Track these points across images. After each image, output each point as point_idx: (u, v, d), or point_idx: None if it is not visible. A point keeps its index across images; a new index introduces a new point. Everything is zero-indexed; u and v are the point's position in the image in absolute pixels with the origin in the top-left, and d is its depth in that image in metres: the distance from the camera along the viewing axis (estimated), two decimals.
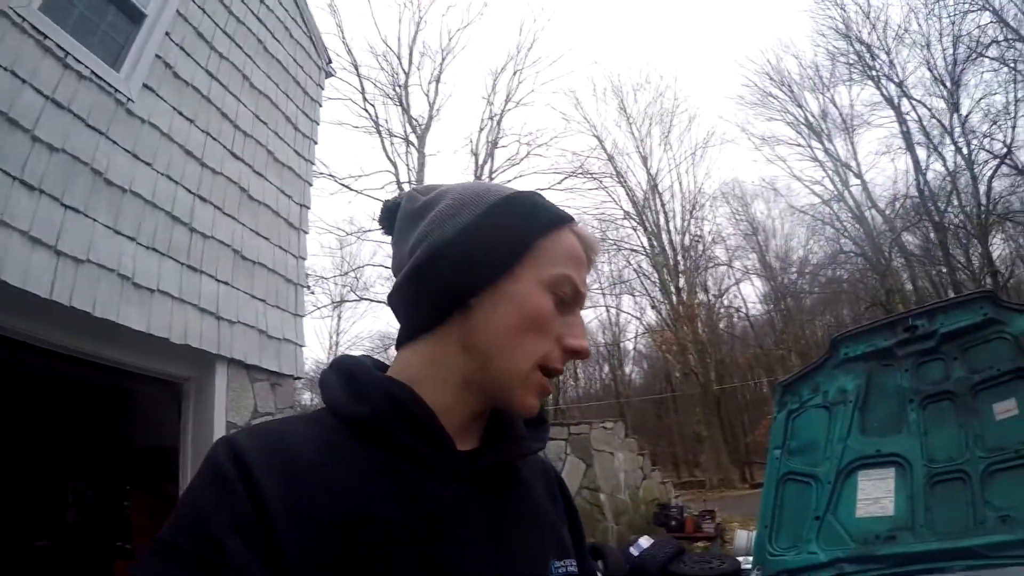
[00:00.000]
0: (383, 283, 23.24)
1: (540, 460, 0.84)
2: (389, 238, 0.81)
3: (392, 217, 0.79)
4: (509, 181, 21.85)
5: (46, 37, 2.84)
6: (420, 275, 0.68)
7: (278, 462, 0.58)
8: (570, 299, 0.70)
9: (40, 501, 5.06)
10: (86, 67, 3.03)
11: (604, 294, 27.73)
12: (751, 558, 3.84)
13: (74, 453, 5.24)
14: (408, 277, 0.69)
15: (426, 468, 0.64)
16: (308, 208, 4.85)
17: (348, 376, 0.69)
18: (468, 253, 0.67)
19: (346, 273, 23.81)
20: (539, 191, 0.75)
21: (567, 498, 0.85)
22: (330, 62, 5.47)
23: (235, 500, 0.55)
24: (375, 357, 0.76)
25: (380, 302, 23.86)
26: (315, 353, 29.84)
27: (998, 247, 21.69)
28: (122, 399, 5.16)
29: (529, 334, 0.67)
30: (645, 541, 6.70)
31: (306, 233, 4.80)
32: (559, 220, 0.72)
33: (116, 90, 3.18)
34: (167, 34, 3.60)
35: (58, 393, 5.02)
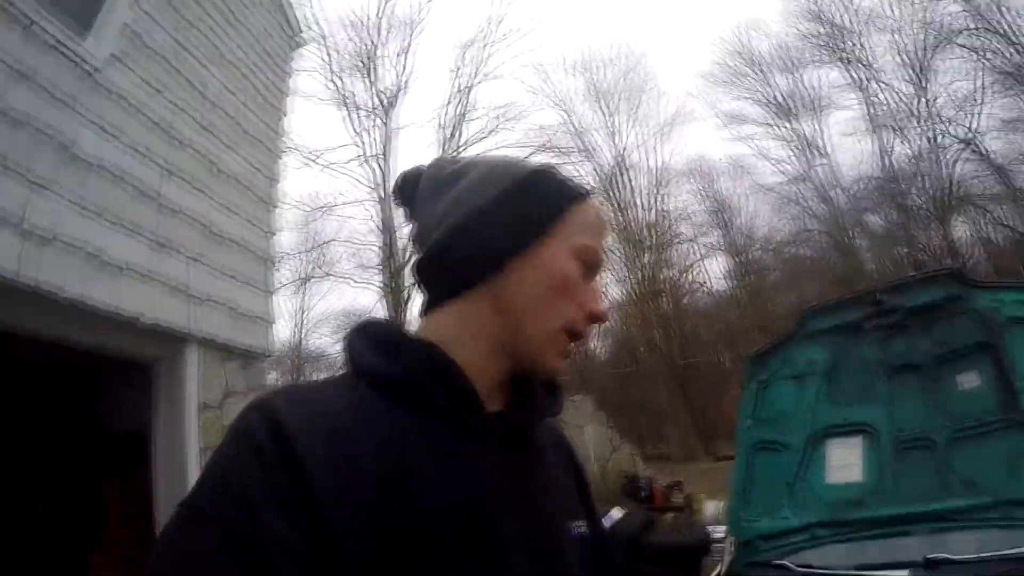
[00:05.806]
0: (348, 259, 22.93)
1: (551, 426, 0.86)
2: (403, 209, 0.81)
3: (411, 187, 0.79)
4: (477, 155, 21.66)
5: (10, 4, 2.69)
6: (456, 239, 0.69)
7: (315, 427, 0.58)
8: (592, 267, 0.75)
9: (7, 492, 4.91)
10: (51, 36, 2.88)
11: None
12: (721, 527, 3.94)
13: (43, 441, 5.09)
14: (442, 241, 0.70)
15: (459, 428, 0.65)
16: (278, 182, 4.75)
17: (378, 339, 0.70)
18: (504, 218, 0.69)
19: (311, 249, 23.45)
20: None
21: (577, 465, 0.87)
22: (301, 32, 5.33)
23: (271, 469, 0.54)
24: (396, 322, 0.76)
25: (346, 278, 23.59)
26: (280, 332, 29.38)
27: (959, 230, 22.31)
28: (91, 384, 5.02)
29: (558, 298, 0.70)
30: (616, 512, 6.78)
31: (276, 208, 4.71)
32: (583, 193, 0.76)
33: (83, 60, 3.04)
34: (135, 1, 3.45)
35: (24, 379, 4.86)
